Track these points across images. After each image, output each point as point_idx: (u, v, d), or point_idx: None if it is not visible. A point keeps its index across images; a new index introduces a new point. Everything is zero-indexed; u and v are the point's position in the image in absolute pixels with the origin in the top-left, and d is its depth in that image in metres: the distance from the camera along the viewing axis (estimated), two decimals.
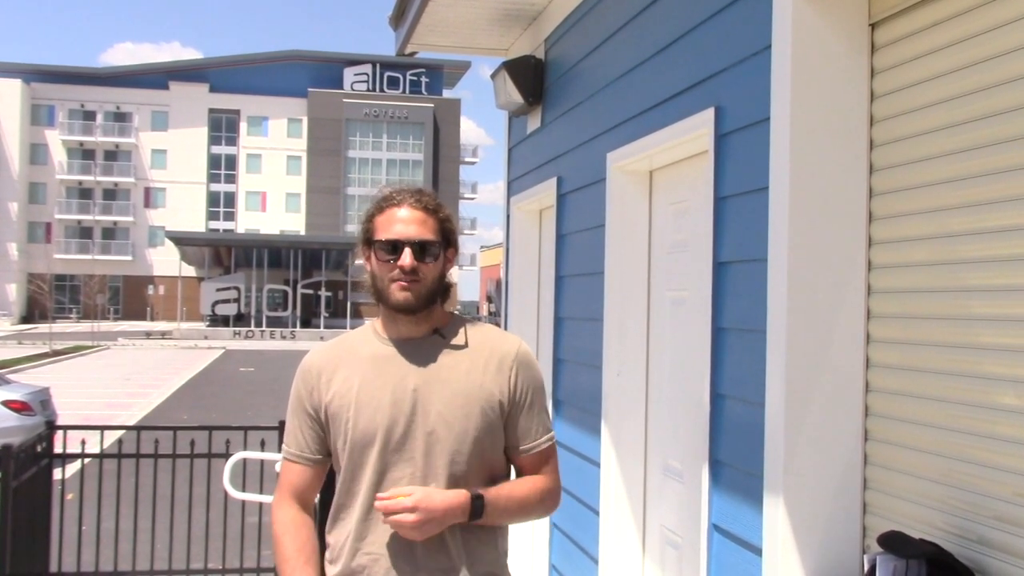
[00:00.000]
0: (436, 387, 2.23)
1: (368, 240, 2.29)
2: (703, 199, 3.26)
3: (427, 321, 2.30)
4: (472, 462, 2.22)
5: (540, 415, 2.34)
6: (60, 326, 53.91)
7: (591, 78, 4.43)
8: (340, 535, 2.27)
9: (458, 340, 2.31)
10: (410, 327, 2.29)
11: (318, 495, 2.43)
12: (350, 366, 2.30)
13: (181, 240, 54.89)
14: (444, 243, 2.29)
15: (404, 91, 74.88)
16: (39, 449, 5.98)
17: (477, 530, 2.24)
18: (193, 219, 71.27)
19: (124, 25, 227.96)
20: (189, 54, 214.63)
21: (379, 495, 2.15)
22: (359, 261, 2.34)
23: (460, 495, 2.16)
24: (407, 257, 2.21)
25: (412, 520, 2.10)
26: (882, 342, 2.53)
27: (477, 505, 2.17)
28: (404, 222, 2.25)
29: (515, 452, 2.33)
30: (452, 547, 2.20)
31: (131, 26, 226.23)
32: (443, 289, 2.34)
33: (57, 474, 6.35)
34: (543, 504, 2.34)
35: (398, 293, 2.23)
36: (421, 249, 2.23)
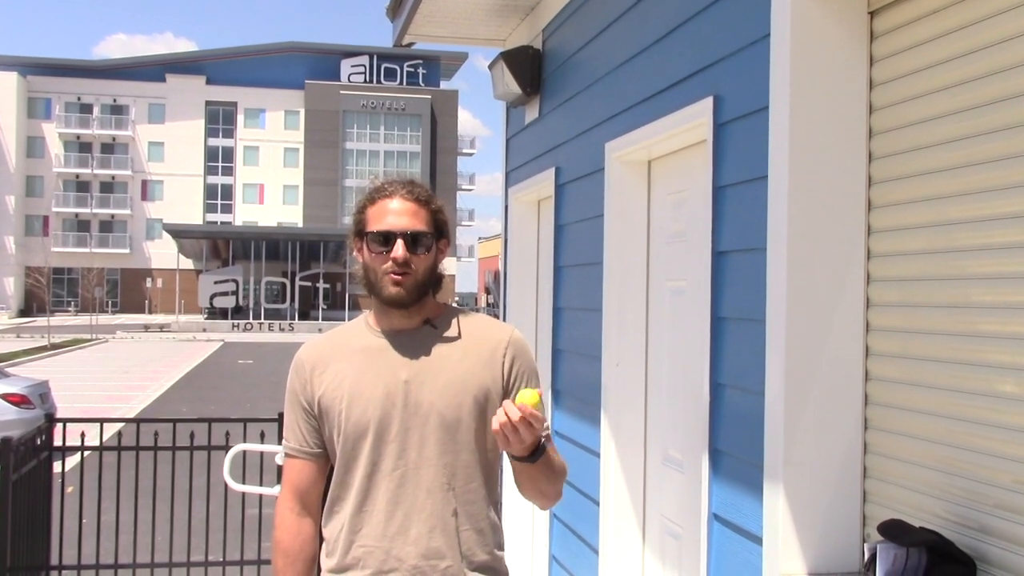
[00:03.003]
0: (428, 378, 2.23)
1: (360, 232, 2.28)
2: (702, 188, 3.26)
3: (419, 313, 2.29)
4: (466, 452, 2.22)
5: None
6: (58, 319, 53.86)
7: (589, 68, 4.42)
8: (335, 528, 2.27)
9: (450, 331, 2.30)
10: (402, 319, 2.28)
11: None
12: (342, 359, 2.29)
13: (179, 233, 54.85)
14: (436, 234, 2.29)
15: (401, 83, 74.74)
16: (39, 442, 5.98)
17: (473, 521, 2.24)
18: (190, 212, 71.17)
19: (116, 17, 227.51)
20: (183, 45, 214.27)
21: (518, 406, 2.04)
22: (354, 253, 2.34)
23: (538, 435, 2.11)
24: (399, 249, 2.20)
25: (521, 432, 2.03)
26: (882, 330, 2.53)
27: (540, 448, 2.14)
28: (396, 213, 2.24)
29: None
30: (448, 538, 2.20)
31: (124, 18, 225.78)
32: (435, 280, 2.34)
33: (57, 467, 6.35)
34: (561, 479, 2.30)
35: (390, 287, 2.22)
36: (413, 240, 2.22)
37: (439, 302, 2.36)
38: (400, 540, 2.19)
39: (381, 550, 2.19)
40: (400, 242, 2.21)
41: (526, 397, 2.04)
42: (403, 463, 2.19)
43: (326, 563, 2.29)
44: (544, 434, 2.14)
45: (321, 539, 2.35)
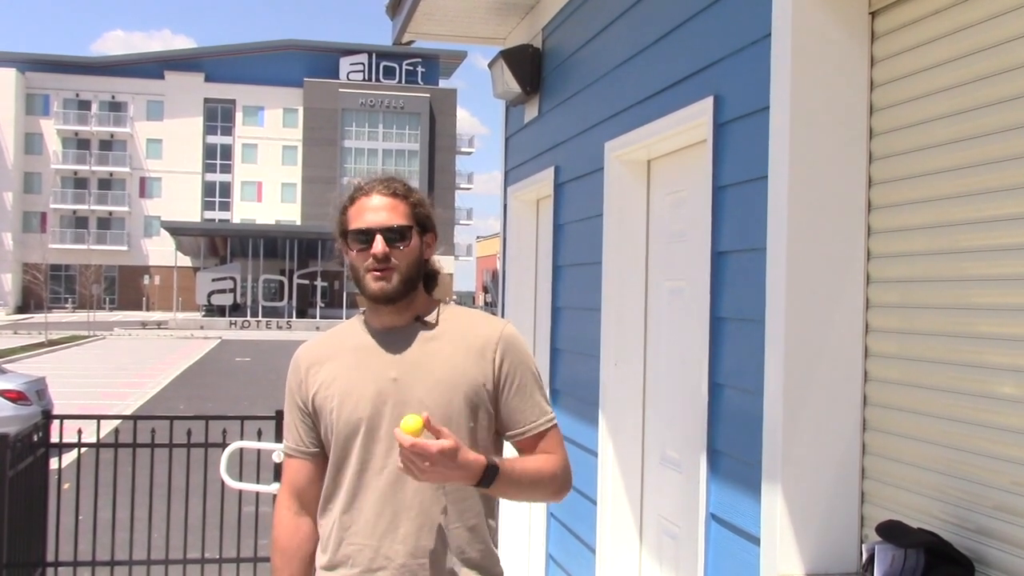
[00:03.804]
0: (418, 375, 2.22)
1: (343, 232, 2.29)
2: (701, 188, 3.25)
3: (409, 310, 2.29)
4: None
5: (532, 397, 2.29)
6: (56, 316, 53.79)
7: (589, 67, 4.41)
8: (327, 525, 2.28)
9: (441, 327, 2.30)
10: (392, 316, 2.28)
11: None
12: (336, 358, 2.30)
13: (177, 230, 54.84)
14: (420, 228, 2.28)
15: (400, 81, 74.72)
16: (35, 438, 5.97)
17: (463, 520, 2.23)
18: (189, 209, 71.09)
19: (114, 13, 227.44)
20: (181, 41, 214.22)
21: (429, 422, 2.00)
22: (343, 254, 2.34)
23: (480, 460, 2.06)
24: (378, 244, 2.20)
25: (427, 468, 1.98)
26: (881, 331, 2.53)
27: (489, 474, 2.08)
28: (374, 210, 2.24)
29: (509, 438, 2.31)
30: (438, 536, 2.20)
31: (121, 14, 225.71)
32: (427, 276, 2.33)
33: (53, 463, 6.34)
34: (555, 481, 2.27)
35: (373, 283, 2.22)
36: (392, 235, 2.22)
37: (431, 299, 2.36)
38: (389, 538, 2.19)
39: (370, 548, 2.19)
40: (379, 237, 2.21)
41: (406, 424, 1.96)
42: (392, 461, 2.17)
43: (319, 560, 2.30)
44: (492, 462, 2.07)
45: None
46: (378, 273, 2.22)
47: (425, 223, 2.30)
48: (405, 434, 1.95)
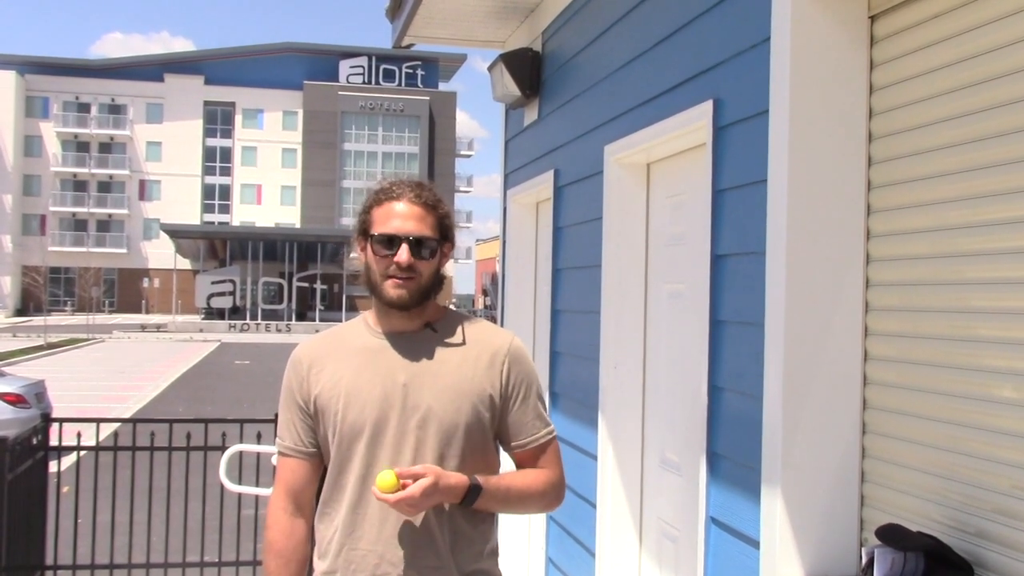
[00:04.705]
0: (427, 381, 2.22)
1: (365, 231, 2.27)
2: (701, 192, 3.25)
3: (419, 315, 2.28)
4: (461, 456, 2.21)
5: (535, 410, 2.32)
6: (55, 319, 53.78)
7: (589, 70, 4.42)
8: (328, 530, 2.26)
9: (450, 335, 2.29)
10: (402, 321, 2.27)
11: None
12: (340, 358, 2.28)
13: (176, 233, 54.82)
14: (441, 239, 2.28)
15: (400, 84, 74.73)
16: (35, 442, 5.97)
17: (466, 528, 2.23)
18: (188, 212, 71.07)
19: (113, 15, 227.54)
20: (179, 44, 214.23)
21: (401, 471, 2.11)
22: (353, 255, 2.33)
23: (462, 481, 2.15)
24: (403, 253, 2.19)
25: (416, 503, 2.09)
26: (880, 335, 2.53)
27: (472, 494, 2.16)
28: (402, 217, 2.22)
29: (510, 448, 2.32)
30: (440, 545, 2.20)
31: (120, 16, 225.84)
32: (437, 283, 2.33)
33: (53, 467, 6.33)
34: (544, 497, 2.32)
35: (392, 290, 2.21)
36: (418, 245, 2.21)
37: (439, 305, 2.36)
38: (393, 545, 2.18)
39: (375, 554, 2.19)
40: (405, 247, 2.20)
41: (383, 483, 2.09)
42: (398, 467, 2.18)
43: (319, 565, 2.27)
44: (474, 481, 2.17)
45: (313, 540, 2.34)
46: (399, 280, 2.21)
47: (447, 234, 2.30)
48: (387, 494, 2.08)
